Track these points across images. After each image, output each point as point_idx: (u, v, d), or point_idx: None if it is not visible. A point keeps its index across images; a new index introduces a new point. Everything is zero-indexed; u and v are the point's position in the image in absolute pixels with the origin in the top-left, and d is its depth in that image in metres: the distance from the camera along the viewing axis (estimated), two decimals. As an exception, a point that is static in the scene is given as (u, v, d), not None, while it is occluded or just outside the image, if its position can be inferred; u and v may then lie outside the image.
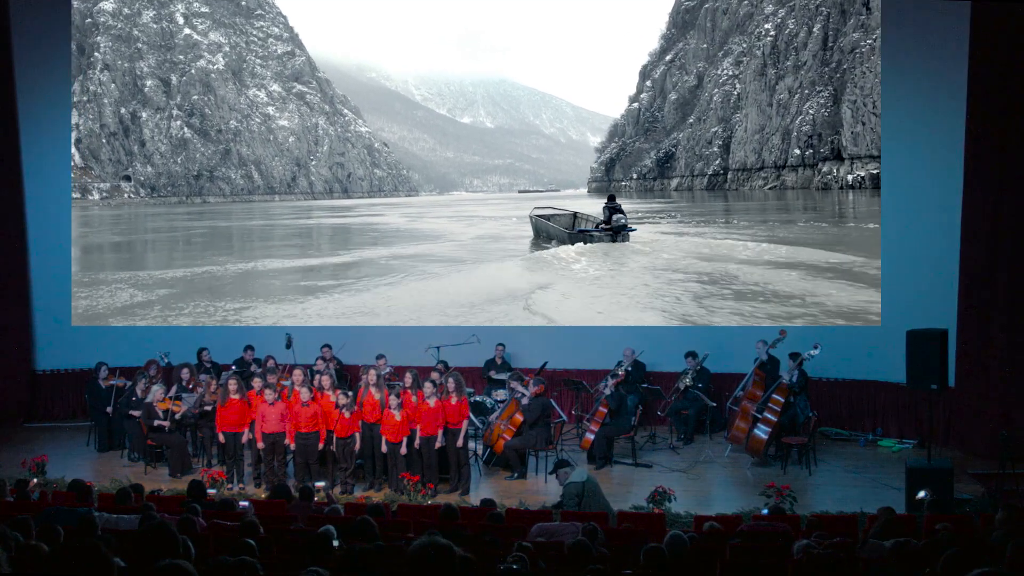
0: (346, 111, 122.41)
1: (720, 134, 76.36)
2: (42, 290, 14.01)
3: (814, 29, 64.80)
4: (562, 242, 20.99)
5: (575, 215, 23.53)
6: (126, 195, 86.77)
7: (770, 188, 65.52)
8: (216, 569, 4.31)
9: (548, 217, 23.86)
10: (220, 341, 13.36)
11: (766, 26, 69.82)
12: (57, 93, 14.36)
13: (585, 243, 19.41)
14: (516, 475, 10.86)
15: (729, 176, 73.52)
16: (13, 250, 13.76)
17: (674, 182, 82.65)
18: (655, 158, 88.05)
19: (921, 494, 8.46)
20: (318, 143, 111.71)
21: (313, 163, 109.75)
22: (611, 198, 20.40)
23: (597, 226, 19.89)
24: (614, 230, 19.21)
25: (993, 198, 11.34)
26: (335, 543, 5.42)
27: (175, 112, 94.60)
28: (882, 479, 10.56)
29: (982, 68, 11.20)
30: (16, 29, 13.48)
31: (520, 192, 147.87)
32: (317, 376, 11.15)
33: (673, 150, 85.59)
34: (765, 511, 8.18)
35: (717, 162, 76.15)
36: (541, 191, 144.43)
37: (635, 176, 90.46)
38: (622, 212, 19.53)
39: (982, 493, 9.75)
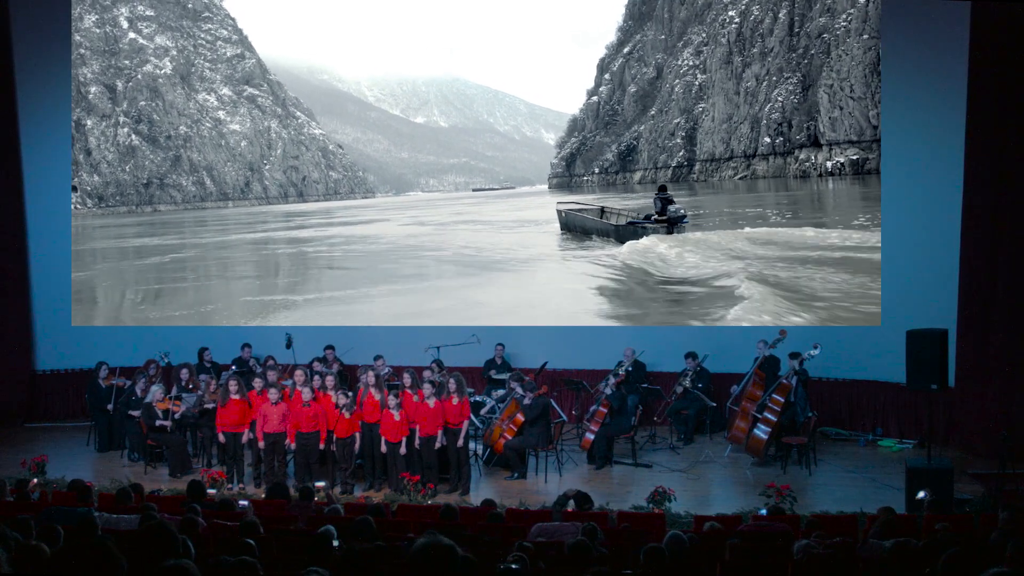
0: (299, 114, 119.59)
1: (683, 125, 75.41)
2: (42, 290, 14.02)
3: (780, 15, 63.76)
4: (605, 236, 19.74)
5: (602, 209, 22.19)
6: (73, 206, 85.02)
7: (740, 178, 64.23)
8: (216, 569, 4.31)
9: (579, 211, 22.67)
10: (220, 341, 13.35)
11: (730, 13, 68.62)
12: (57, 93, 14.36)
13: (638, 237, 17.93)
14: (516, 475, 10.87)
15: (696, 167, 72.31)
16: (13, 250, 13.77)
17: (637, 175, 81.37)
18: (616, 152, 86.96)
19: (921, 494, 8.47)
20: (271, 147, 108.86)
21: (267, 167, 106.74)
22: (662, 188, 19.08)
23: (648, 217, 18.58)
24: (670, 221, 17.90)
25: (993, 198, 11.34)
26: (335, 543, 5.42)
27: (122, 119, 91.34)
28: (882, 479, 10.56)
29: (982, 68, 11.19)
30: (16, 29, 13.47)
31: (475, 190, 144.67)
32: (318, 377, 11.16)
33: (635, 143, 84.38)
34: (764, 511, 8.18)
35: (681, 153, 75.31)
36: (496, 188, 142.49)
37: (596, 170, 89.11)
38: (674, 202, 18.19)
39: (982, 493, 9.76)
